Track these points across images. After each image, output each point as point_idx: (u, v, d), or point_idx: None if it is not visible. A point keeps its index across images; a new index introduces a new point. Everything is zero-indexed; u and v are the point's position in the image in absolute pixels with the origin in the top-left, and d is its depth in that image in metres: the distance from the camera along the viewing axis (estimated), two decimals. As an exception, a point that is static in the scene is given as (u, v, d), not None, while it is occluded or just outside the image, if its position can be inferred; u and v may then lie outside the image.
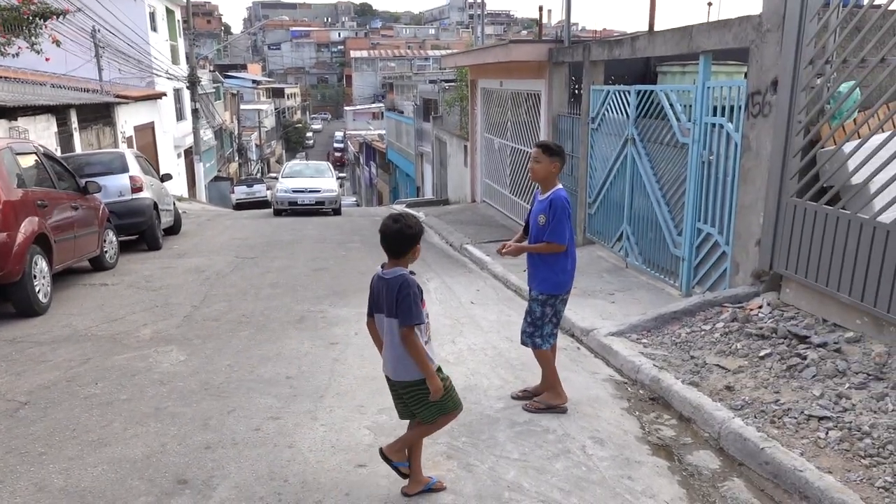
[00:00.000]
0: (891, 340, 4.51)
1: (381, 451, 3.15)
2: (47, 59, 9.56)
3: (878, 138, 4.64)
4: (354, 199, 41.66)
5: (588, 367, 5.16)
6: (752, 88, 5.73)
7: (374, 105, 61.64)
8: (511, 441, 3.77)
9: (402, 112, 35.84)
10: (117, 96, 18.89)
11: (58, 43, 8.78)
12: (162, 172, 12.86)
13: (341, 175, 53.42)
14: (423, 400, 3.01)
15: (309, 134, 72.67)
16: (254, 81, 62.87)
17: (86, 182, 7.91)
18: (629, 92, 7.93)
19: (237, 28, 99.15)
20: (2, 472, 3.43)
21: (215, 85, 36.03)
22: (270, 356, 5.19)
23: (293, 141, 66.86)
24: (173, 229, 11.93)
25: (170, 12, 26.03)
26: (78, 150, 14.51)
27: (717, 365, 4.85)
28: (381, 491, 3.21)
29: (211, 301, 6.95)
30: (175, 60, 25.97)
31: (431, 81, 30.30)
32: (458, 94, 21.14)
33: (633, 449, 3.72)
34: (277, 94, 71.35)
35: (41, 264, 6.31)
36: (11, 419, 4.07)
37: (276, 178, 18.42)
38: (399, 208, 17.93)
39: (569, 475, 3.39)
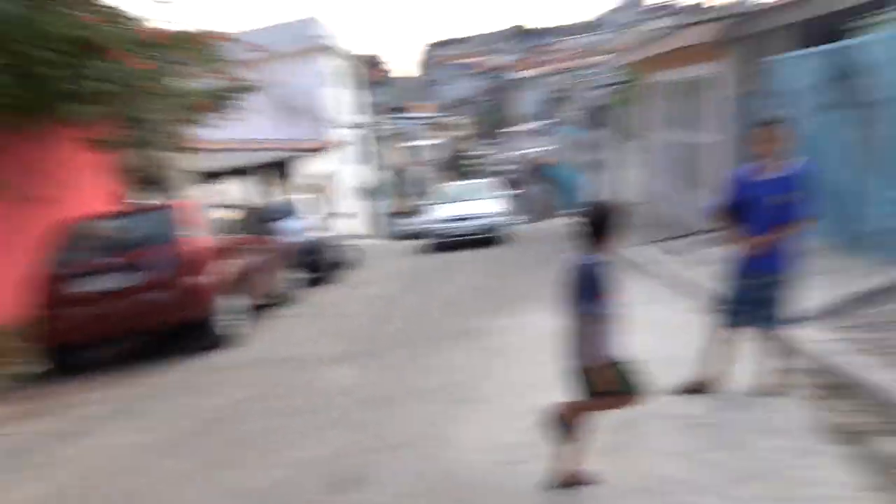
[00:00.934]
0: None
1: (555, 413, 3.15)
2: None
3: None
4: (527, 217, 41.76)
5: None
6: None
7: (541, 122, 61.81)
8: (671, 434, 3.57)
9: (569, 124, 35.62)
10: (294, 150, 20.84)
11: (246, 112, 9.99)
12: (335, 211, 13.93)
13: (515, 192, 53.59)
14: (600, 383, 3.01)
15: (479, 160, 74.50)
16: (425, 118, 66.11)
17: (267, 227, 8.86)
18: (814, 55, 7.21)
19: (411, 70, 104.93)
20: (212, 471, 3.93)
21: (387, 128, 38.41)
22: (432, 368, 5.45)
23: (464, 168, 68.92)
24: (353, 264, 12.84)
25: (348, 67, 28.32)
26: (265, 202, 16.07)
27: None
28: (532, 483, 3.21)
29: (380, 323, 7.48)
30: (349, 111, 28.14)
31: (597, 87, 29.75)
32: (626, 95, 20.49)
33: (811, 438, 3.33)
34: (447, 126, 74.29)
35: (237, 301, 7.16)
36: (207, 434, 4.65)
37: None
38: (567, 219, 17.76)
39: (737, 467, 3.12)
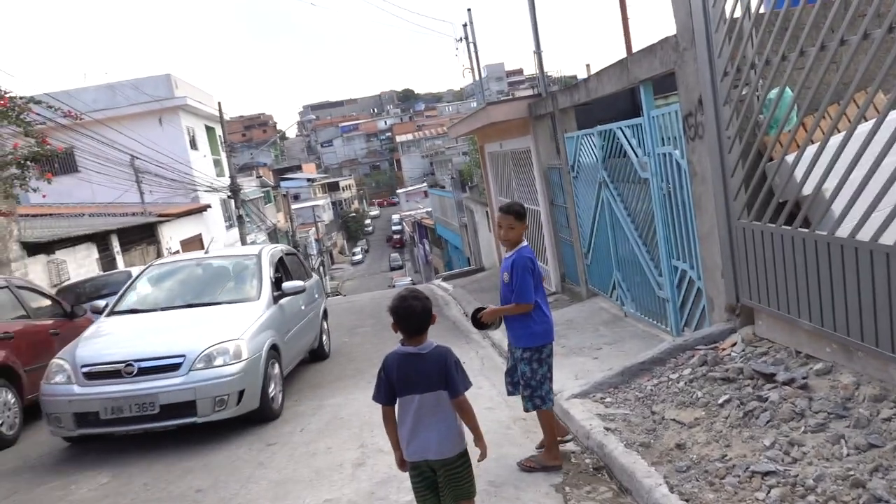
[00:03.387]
0: (861, 368, 3.88)
1: None
2: (44, 196, 10.05)
3: (833, 141, 4.07)
4: (410, 279, 41.95)
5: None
6: (685, 111, 5.35)
7: (423, 184, 62.90)
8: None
9: (443, 187, 36.32)
10: (160, 215, 19.92)
11: (49, 180, 9.19)
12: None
13: (398, 261, 53.06)
14: (462, 476, 2.90)
15: (367, 221, 74.50)
16: (308, 180, 65.60)
17: (72, 307, 8.05)
18: (593, 134, 7.61)
19: (292, 132, 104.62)
20: None
21: (264, 189, 37.65)
22: (194, 468, 4.95)
23: (353, 230, 68.67)
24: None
25: (209, 129, 27.61)
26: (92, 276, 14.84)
27: (675, 419, 4.30)
28: None
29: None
30: (220, 173, 27.33)
31: (464, 153, 30.72)
32: (474, 162, 21.20)
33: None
34: (333, 187, 74.15)
35: (4, 396, 6.35)
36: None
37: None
38: (405, 284, 17.84)
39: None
